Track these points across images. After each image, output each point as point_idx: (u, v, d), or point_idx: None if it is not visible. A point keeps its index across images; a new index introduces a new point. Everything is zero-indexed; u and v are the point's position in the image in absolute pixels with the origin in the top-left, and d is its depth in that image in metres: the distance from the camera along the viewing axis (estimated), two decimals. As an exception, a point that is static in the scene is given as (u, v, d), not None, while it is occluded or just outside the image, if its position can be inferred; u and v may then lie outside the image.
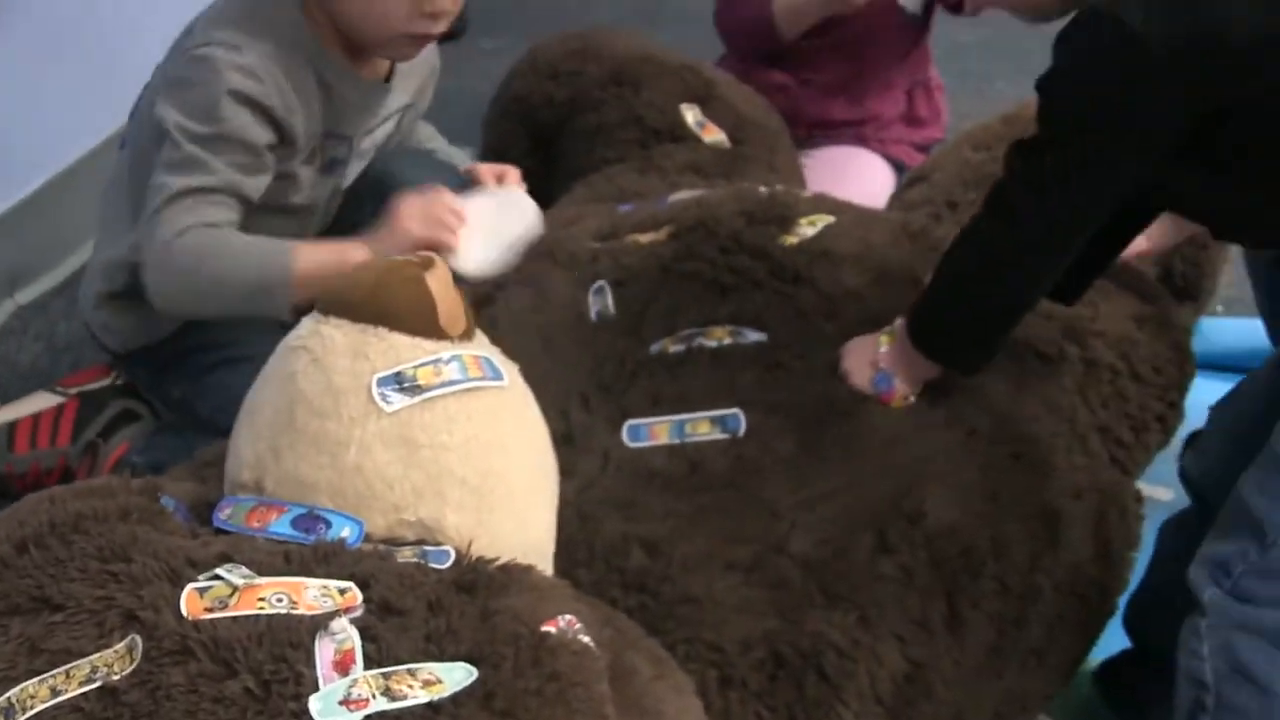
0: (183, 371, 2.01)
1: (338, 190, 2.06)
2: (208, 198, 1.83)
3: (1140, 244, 1.81)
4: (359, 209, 2.07)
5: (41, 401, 2.14)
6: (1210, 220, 1.58)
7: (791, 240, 1.81)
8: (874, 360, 1.63)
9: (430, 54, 2.07)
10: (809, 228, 1.84)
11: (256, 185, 1.88)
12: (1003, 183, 1.49)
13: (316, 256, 1.84)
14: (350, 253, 1.82)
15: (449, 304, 1.28)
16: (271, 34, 1.86)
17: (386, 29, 1.87)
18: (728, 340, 1.69)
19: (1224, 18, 1.31)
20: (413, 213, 1.86)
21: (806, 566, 1.48)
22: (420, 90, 2.13)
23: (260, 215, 1.92)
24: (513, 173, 2.12)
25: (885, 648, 1.46)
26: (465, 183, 2.12)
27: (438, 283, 1.28)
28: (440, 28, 1.89)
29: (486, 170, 2.12)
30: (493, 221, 1.93)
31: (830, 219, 1.86)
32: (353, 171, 2.07)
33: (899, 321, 1.64)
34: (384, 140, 2.10)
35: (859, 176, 2.51)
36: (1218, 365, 2.08)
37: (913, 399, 1.63)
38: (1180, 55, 1.31)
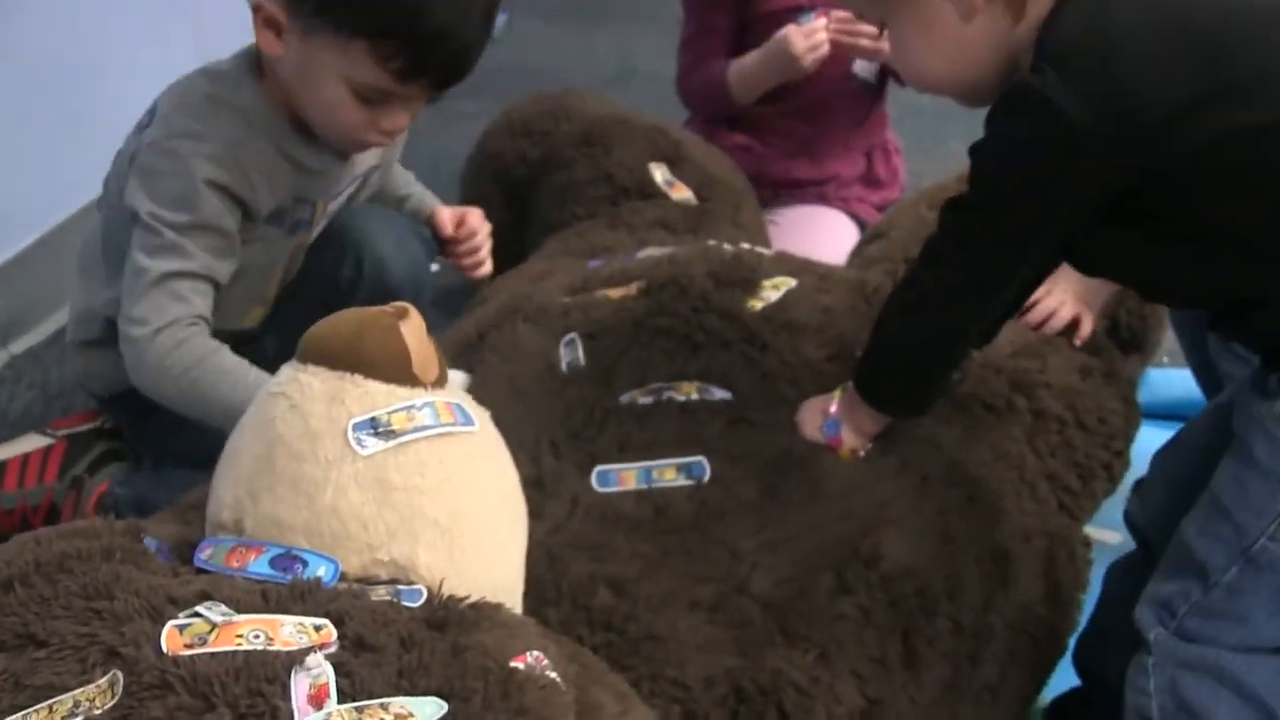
0: (159, 411, 2.01)
1: (301, 247, 2.06)
2: (188, 283, 1.83)
3: (1066, 315, 1.85)
4: (319, 258, 2.07)
5: (31, 443, 2.14)
6: (1132, 282, 1.60)
7: (756, 304, 1.82)
8: (824, 410, 1.65)
9: None
10: (773, 291, 1.85)
11: (227, 269, 1.88)
12: (935, 236, 1.51)
13: None
14: None
15: (422, 352, 1.29)
16: (232, 117, 1.87)
17: (343, 135, 1.89)
18: (695, 395, 1.70)
19: (1139, 92, 1.32)
20: None
21: (767, 606, 1.48)
22: (387, 150, 2.12)
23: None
24: (474, 213, 2.13)
25: (844, 685, 1.46)
26: (427, 235, 2.14)
27: (412, 332, 1.28)
28: (393, 139, 1.93)
29: (449, 215, 2.13)
30: None
31: (792, 282, 1.87)
32: (317, 229, 2.07)
33: (849, 383, 1.66)
34: (348, 200, 2.09)
35: (824, 234, 2.53)
36: (1165, 414, 2.08)
37: (863, 453, 1.64)
38: (1100, 128, 1.33)
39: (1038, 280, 1.54)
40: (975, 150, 1.44)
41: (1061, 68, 1.34)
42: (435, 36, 1.80)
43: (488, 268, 2.19)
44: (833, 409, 1.64)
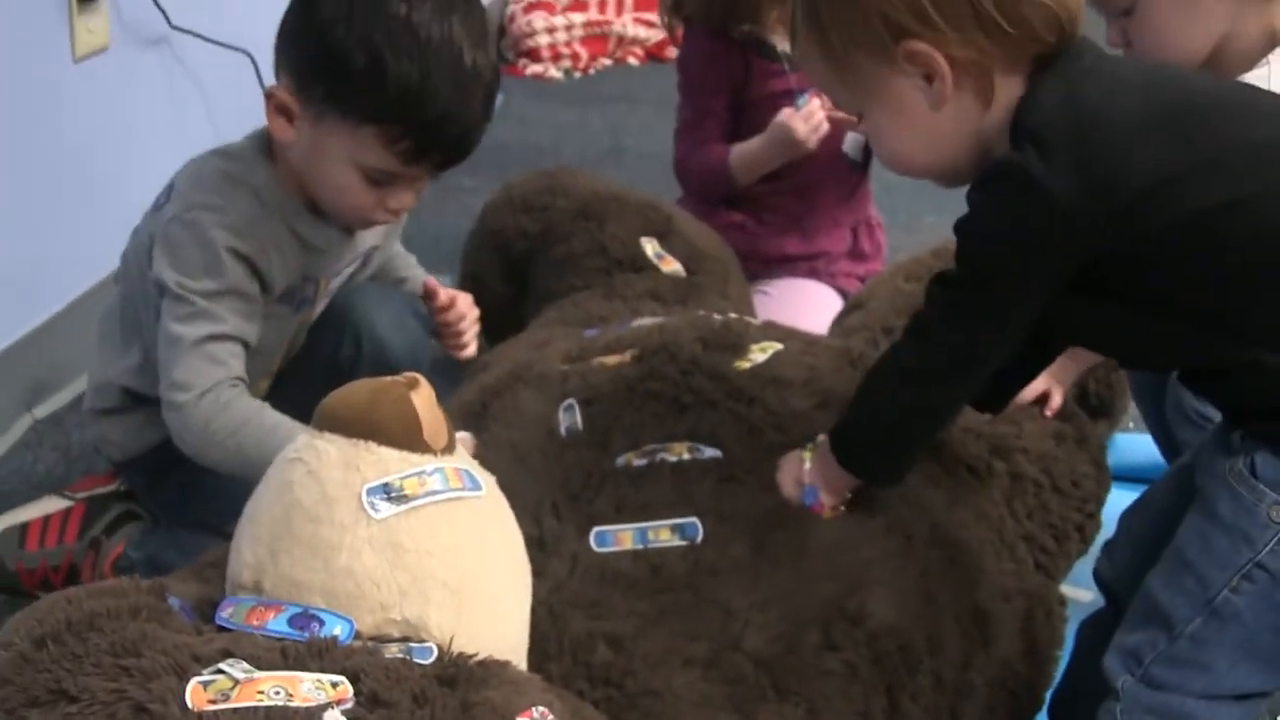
0: (174, 476, 2.00)
1: (305, 324, 2.06)
2: (224, 346, 1.84)
3: (1039, 386, 1.85)
4: (321, 337, 2.07)
5: (52, 505, 2.13)
6: (1108, 350, 1.60)
7: (744, 365, 1.82)
8: (798, 477, 1.64)
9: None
10: (760, 354, 1.85)
11: (255, 331, 1.89)
12: (922, 312, 1.51)
13: None
14: None
15: (432, 421, 1.29)
16: (247, 194, 1.88)
17: (352, 215, 1.90)
18: (686, 455, 1.69)
19: (1117, 168, 1.34)
20: None
21: (759, 662, 1.47)
22: (389, 231, 2.13)
23: None
24: (464, 297, 2.13)
25: (831, 737, 1.46)
26: (424, 313, 2.13)
27: (422, 401, 1.28)
28: (399, 217, 1.94)
29: (445, 295, 2.12)
30: None
31: (779, 346, 1.87)
32: (319, 306, 2.07)
33: (821, 438, 1.65)
34: (349, 278, 2.09)
35: (811, 306, 2.53)
36: (1131, 478, 2.09)
37: (842, 508, 1.62)
38: (1080, 202, 1.33)
39: (1011, 353, 1.51)
40: (960, 227, 1.44)
41: (1041, 145, 1.35)
42: (440, 120, 1.81)
43: (472, 349, 2.17)
44: (806, 477, 1.63)
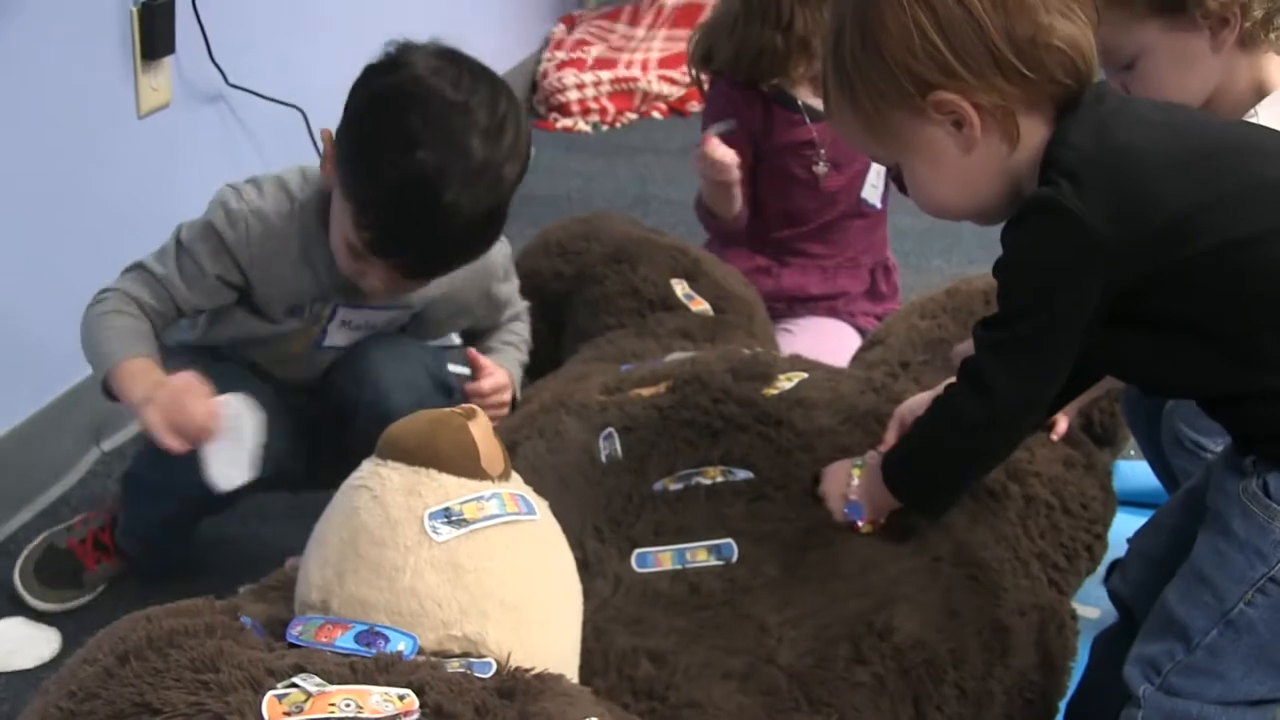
0: None
1: (310, 335, 2.02)
2: (149, 279, 1.92)
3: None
4: (339, 375, 2.05)
5: None
6: (1134, 377, 1.59)
7: (772, 392, 1.82)
8: (845, 493, 1.63)
9: (473, 274, 2.02)
10: (786, 382, 1.85)
11: (190, 296, 1.93)
12: (975, 358, 1.48)
13: (120, 374, 1.84)
14: (132, 400, 1.82)
15: (489, 449, 1.30)
16: (285, 202, 1.92)
17: (342, 266, 1.90)
18: (720, 478, 1.69)
19: (1147, 201, 1.34)
20: (160, 402, 1.78)
21: (792, 675, 1.47)
22: (445, 296, 2.07)
23: (250, 347, 2.02)
24: (494, 380, 2.03)
25: (862, 747, 1.46)
26: (446, 378, 2.08)
27: (480, 430, 1.29)
28: (366, 288, 1.92)
29: (484, 369, 2.03)
30: (238, 432, 1.80)
31: (805, 375, 1.87)
32: (336, 334, 2.03)
33: (870, 455, 1.64)
34: (384, 324, 2.06)
35: (833, 342, 2.52)
36: (1134, 501, 2.09)
37: (880, 522, 1.62)
38: (1114, 233, 1.33)
39: (1062, 382, 1.49)
40: (1000, 265, 1.43)
41: (1075, 179, 1.35)
42: (404, 231, 1.80)
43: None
44: (853, 494, 1.62)
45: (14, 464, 2.19)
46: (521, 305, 2.24)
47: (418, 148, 1.74)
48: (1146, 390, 1.64)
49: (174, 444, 1.75)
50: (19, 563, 2.07)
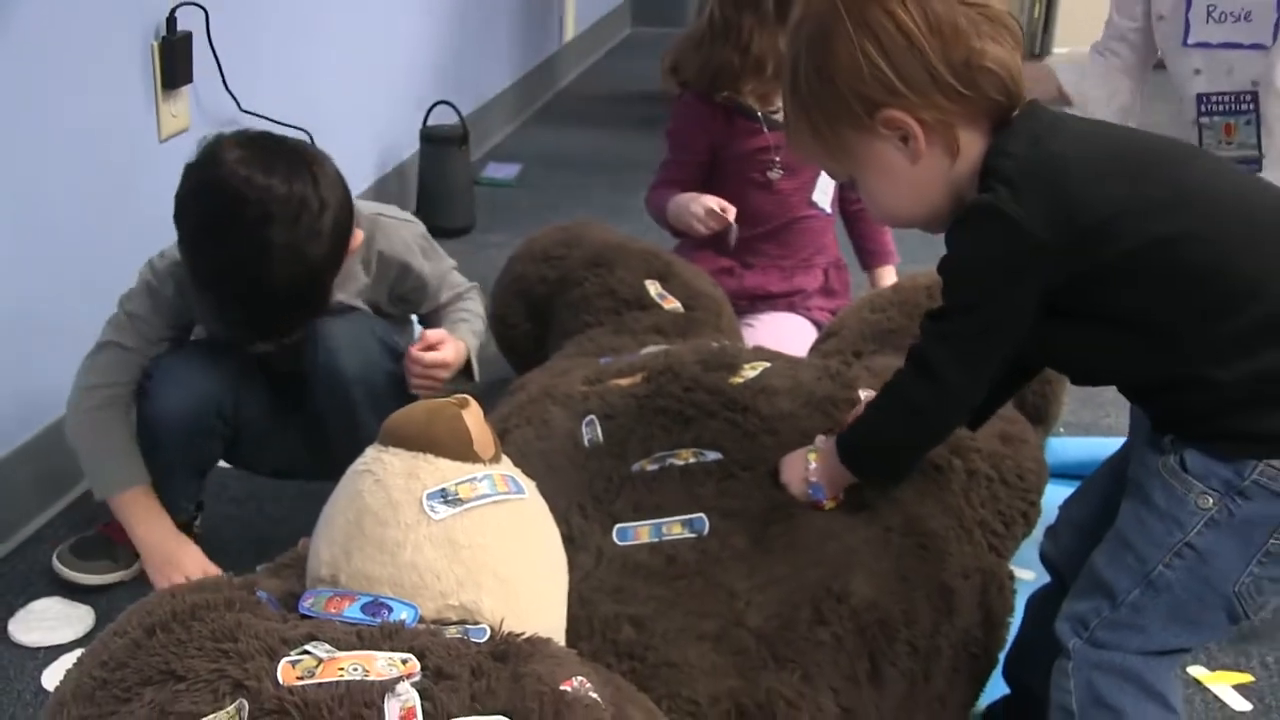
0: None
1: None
2: (118, 353, 1.98)
3: None
4: (318, 388, 2.05)
5: None
6: (1076, 367, 1.58)
7: (738, 380, 1.81)
8: (804, 476, 1.63)
9: (388, 252, 2.06)
10: (751, 371, 1.84)
11: (152, 343, 2.00)
12: (921, 344, 1.48)
13: (120, 507, 1.99)
14: (135, 531, 1.99)
15: (481, 435, 1.29)
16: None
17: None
18: (692, 460, 1.69)
19: (1078, 204, 1.34)
20: (191, 561, 1.97)
21: (760, 636, 1.47)
22: (364, 298, 2.07)
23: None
24: (435, 355, 2.02)
25: (823, 698, 1.45)
26: (393, 342, 2.07)
27: (472, 418, 1.29)
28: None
29: (428, 341, 2.02)
30: None
31: (767, 364, 1.87)
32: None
33: (820, 439, 1.65)
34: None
35: (792, 335, 2.52)
36: (1061, 474, 2.10)
37: (840, 497, 1.62)
38: (1048, 233, 1.34)
39: (1002, 368, 1.50)
40: (944, 263, 1.44)
41: (1012, 186, 1.36)
42: (229, 311, 1.89)
43: (428, 385, 2.03)
44: (812, 475, 1.62)
45: (53, 454, 2.18)
46: (465, 284, 2.20)
47: (225, 244, 1.80)
48: (1078, 380, 1.64)
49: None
50: (58, 549, 2.06)
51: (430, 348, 1.99)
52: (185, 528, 2.12)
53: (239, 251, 1.78)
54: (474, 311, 2.18)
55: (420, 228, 2.14)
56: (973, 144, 1.41)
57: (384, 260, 2.05)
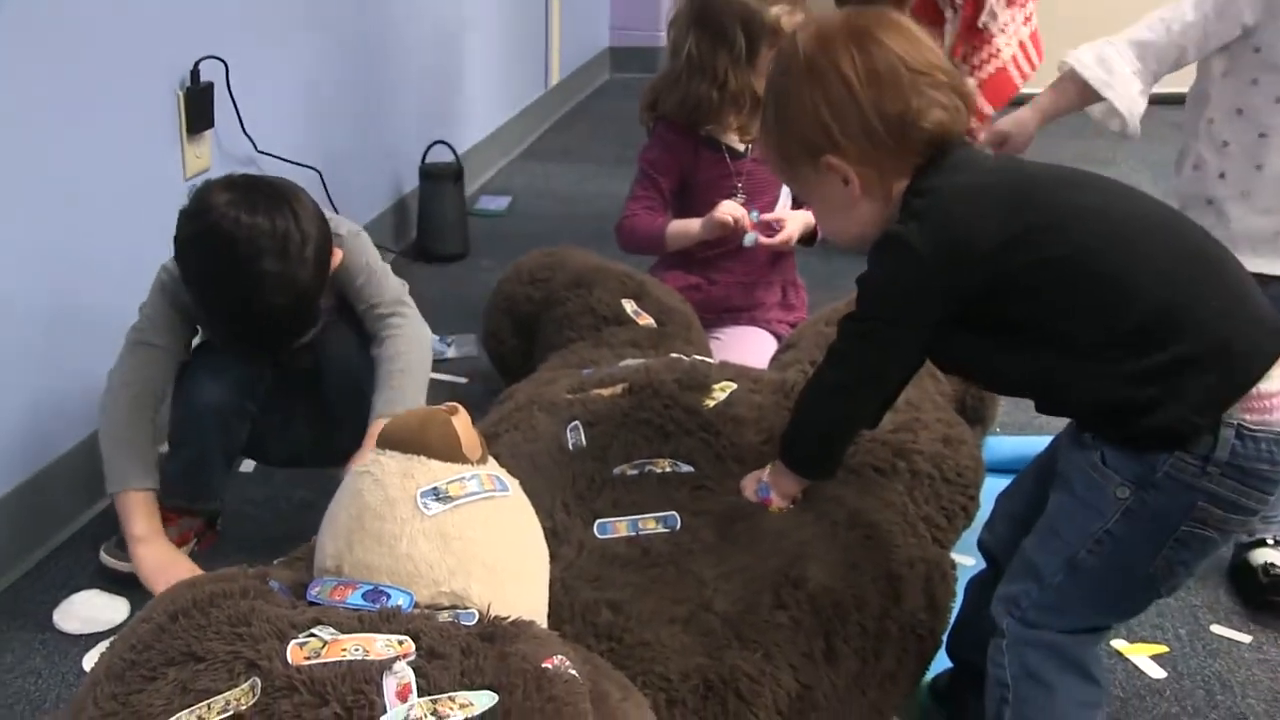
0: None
1: None
2: (143, 351, 1.98)
3: None
4: (330, 382, 2.08)
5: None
6: (976, 376, 1.61)
7: (710, 402, 1.82)
8: (758, 477, 1.65)
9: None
10: (720, 392, 1.85)
11: (176, 343, 2.01)
12: (836, 342, 1.52)
13: (121, 506, 1.96)
14: (132, 529, 1.96)
15: (469, 439, 1.30)
16: None
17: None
18: (669, 469, 1.70)
19: (969, 233, 1.38)
20: (143, 561, 1.93)
21: (725, 619, 1.47)
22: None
23: None
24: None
25: (783, 675, 1.46)
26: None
27: (461, 424, 1.29)
28: None
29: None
30: None
31: (734, 385, 1.88)
32: None
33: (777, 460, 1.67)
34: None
35: (754, 346, 2.52)
36: (997, 469, 2.10)
37: (787, 509, 1.63)
38: (942, 258, 1.38)
39: (910, 373, 1.55)
40: (860, 279, 1.47)
41: (918, 219, 1.40)
42: (234, 337, 1.95)
43: None
44: (765, 477, 1.65)
45: (93, 461, 2.18)
46: (394, 302, 2.08)
47: (224, 280, 1.84)
48: (990, 387, 1.66)
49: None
50: (104, 545, 2.06)
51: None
52: (210, 523, 2.13)
53: (237, 285, 1.82)
54: (396, 359, 2.03)
55: (359, 242, 2.09)
56: (900, 185, 1.45)
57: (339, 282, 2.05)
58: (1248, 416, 1.33)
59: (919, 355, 1.50)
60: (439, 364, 2.74)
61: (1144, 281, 1.35)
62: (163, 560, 1.93)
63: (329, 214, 1.98)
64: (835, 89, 1.42)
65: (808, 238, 2.57)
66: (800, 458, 1.61)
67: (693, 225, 2.55)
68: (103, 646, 1.79)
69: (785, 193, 2.60)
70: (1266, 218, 1.87)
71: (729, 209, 2.49)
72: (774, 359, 2.31)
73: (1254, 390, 1.33)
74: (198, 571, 1.90)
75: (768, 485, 1.64)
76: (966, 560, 1.86)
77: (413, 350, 2.05)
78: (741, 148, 2.56)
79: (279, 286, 1.82)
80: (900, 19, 1.48)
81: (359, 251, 2.07)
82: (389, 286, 2.10)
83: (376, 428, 1.92)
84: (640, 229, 2.60)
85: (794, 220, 2.53)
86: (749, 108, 2.48)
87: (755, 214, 2.53)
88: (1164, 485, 1.36)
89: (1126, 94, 1.86)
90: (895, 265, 1.41)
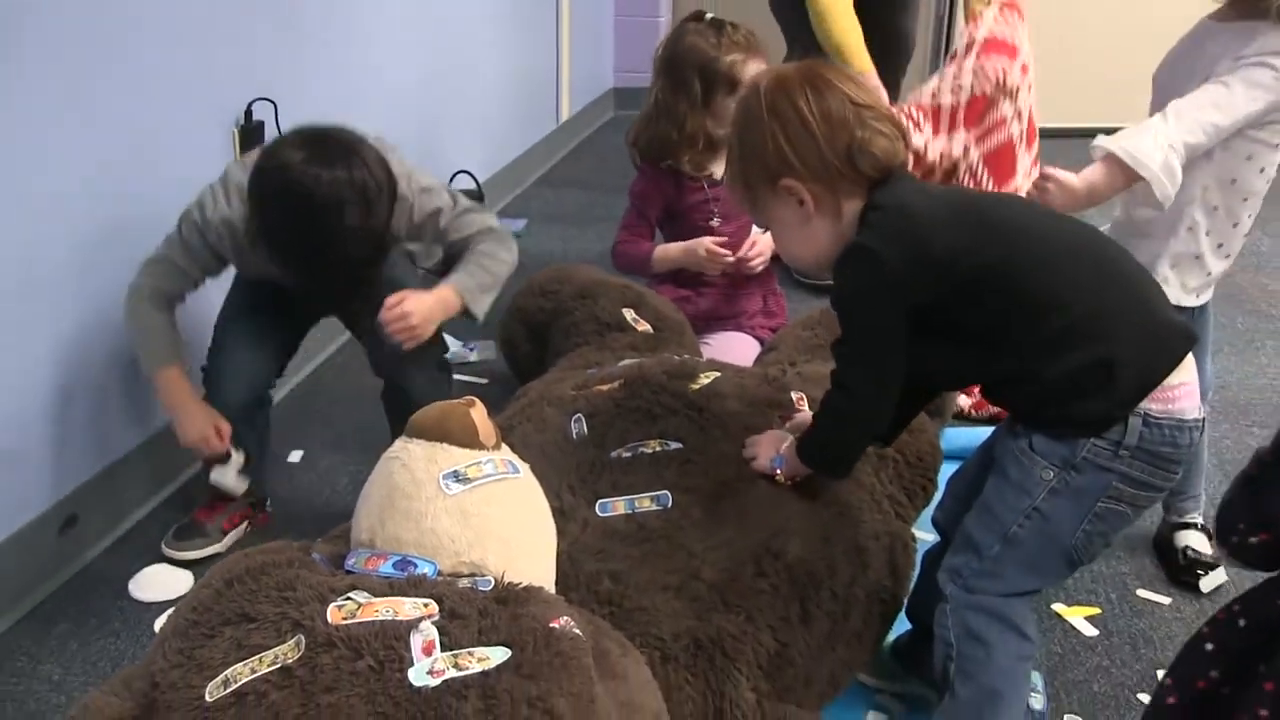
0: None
1: None
2: (166, 266, 1.94)
3: None
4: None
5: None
6: (943, 378, 1.60)
7: (695, 387, 1.83)
8: (776, 445, 1.63)
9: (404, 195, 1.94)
10: (706, 379, 1.86)
11: (195, 268, 1.96)
12: (835, 369, 1.51)
13: (157, 383, 1.94)
14: (170, 401, 1.95)
15: (485, 428, 1.32)
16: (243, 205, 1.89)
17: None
18: (659, 448, 1.70)
19: (928, 242, 1.39)
20: (193, 421, 1.94)
21: (713, 586, 1.49)
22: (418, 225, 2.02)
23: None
24: (398, 311, 1.92)
25: (763, 635, 1.48)
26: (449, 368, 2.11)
27: (478, 415, 1.31)
28: None
29: (394, 300, 1.92)
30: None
31: (718, 373, 1.89)
32: None
33: (789, 424, 1.69)
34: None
35: (740, 350, 2.52)
36: (953, 456, 2.10)
37: (792, 480, 1.62)
38: (905, 267, 1.39)
39: (901, 377, 1.48)
40: (834, 300, 1.48)
41: (878, 230, 1.41)
42: (314, 286, 1.91)
43: (405, 337, 1.94)
44: (783, 450, 1.62)
45: (161, 453, 2.20)
46: (478, 227, 2.03)
47: (308, 233, 1.76)
48: (950, 386, 1.64)
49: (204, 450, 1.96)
50: (164, 538, 2.07)
51: (392, 307, 1.92)
52: (259, 505, 2.15)
53: (319, 239, 1.76)
54: (478, 258, 2.01)
55: (404, 167, 1.98)
56: (852, 206, 1.46)
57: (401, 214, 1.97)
58: (1153, 406, 1.36)
59: (903, 358, 1.46)
60: (463, 366, 2.76)
61: (1066, 294, 1.37)
62: (186, 413, 1.95)
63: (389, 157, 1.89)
64: (792, 124, 1.44)
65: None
66: (818, 464, 1.59)
67: (673, 251, 2.58)
68: (171, 612, 1.81)
69: None
70: (1226, 262, 1.88)
71: (709, 249, 2.52)
72: (757, 360, 2.31)
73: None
74: (215, 420, 1.96)
75: (783, 459, 1.61)
76: (926, 536, 1.87)
77: (499, 253, 2.02)
78: (716, 176, 2.58)
79: (359, 236, 1.77)
80: (845, 70, 1.51)
81: (433, 196, 2.01)
82: (471, 221, 2.03)
83: (445, 292, 1.96)
84: (629, 254, 2.62)
85: (766, 242, 2.54)
86: (702, 146, 2.51)
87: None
88: (1084, 467, 1.38)
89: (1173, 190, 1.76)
90: (860, 272, 1.42)
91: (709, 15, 2.53)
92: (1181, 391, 1.38)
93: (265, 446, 2.17)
